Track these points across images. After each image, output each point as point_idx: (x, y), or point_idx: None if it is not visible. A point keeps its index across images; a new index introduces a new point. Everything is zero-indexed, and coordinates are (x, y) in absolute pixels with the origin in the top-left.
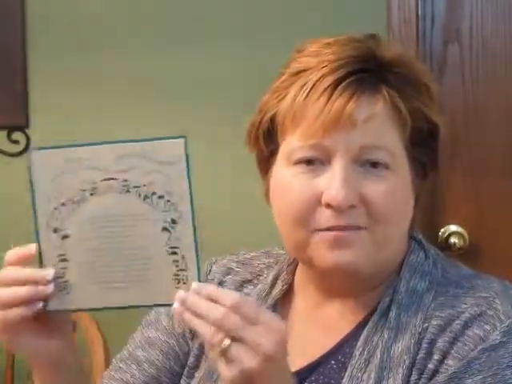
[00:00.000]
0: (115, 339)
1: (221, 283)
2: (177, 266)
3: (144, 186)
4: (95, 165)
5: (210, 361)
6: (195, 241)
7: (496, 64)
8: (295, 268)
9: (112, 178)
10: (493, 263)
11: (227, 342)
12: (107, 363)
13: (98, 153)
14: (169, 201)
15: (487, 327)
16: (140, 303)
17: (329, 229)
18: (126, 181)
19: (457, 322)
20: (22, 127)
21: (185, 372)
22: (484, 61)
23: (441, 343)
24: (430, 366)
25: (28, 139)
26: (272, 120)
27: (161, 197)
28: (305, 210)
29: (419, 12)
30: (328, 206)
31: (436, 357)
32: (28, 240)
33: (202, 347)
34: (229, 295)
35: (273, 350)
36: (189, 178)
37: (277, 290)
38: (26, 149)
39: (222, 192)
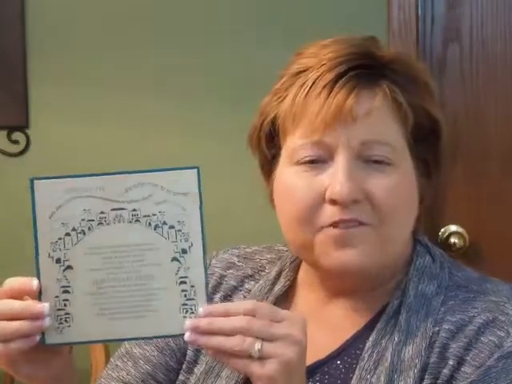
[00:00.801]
0: None
1: (221, 278)
2: (185, 296)
3: (154, 215)
4: (104, 195)
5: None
6: (205, 269)
7: (496, 64)
8: (299, 265)
9: (121, 208)
10: (493, 263)
11: (258, 343)
12: (107, 363)
13: (107, 183)
14: (180, 230)
15: (501, 333)
16: (146, 335)
17: (333, 225)
18: (135, 210)
19: (470, 327)
20: (22, 127)
21: (183, 367)
22: (484, 61)
23: (455, 348)
24: (445, 371)
25: (28, 139)
26: (273, 122)
27: (172, 227)
28: (309, 208)
29: (419, 12)
30: (332, 201)
31: (451, 362)
32: (27, 240)
33: None
34: (241, 305)
35: (303, 338)
36: (201, 208)
37: (279, 287)
38: (26, 149)
39: (224, 192)
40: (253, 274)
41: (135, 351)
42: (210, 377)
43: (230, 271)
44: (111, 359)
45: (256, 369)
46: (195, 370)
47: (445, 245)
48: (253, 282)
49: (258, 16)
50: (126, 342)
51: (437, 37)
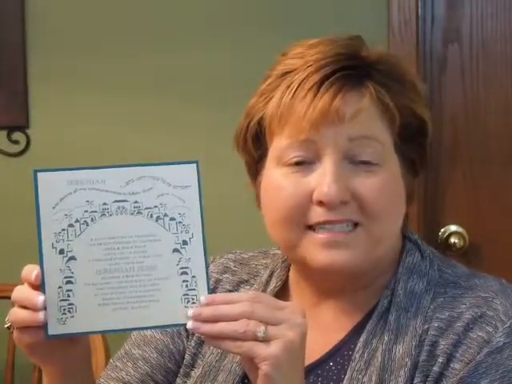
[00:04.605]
0: (115, 338)
1: (217, 282)
2: (186, 286)
3: (156, 207)
4: (106, 187)
5: (212, 357)
6: (205, 260)
7: (496, 64)
8: (290, 264)
9: (124, 200)
10: (493, 263)
11: (262, 326)
12: (107, 362)
13: (109, 175)
14: (180, 222)
15: (489, 329)
16: (148, 325)
17: (321, 224)
18: (136, 202)
19: (458, 323)
20: (22, 127)
21: (181, 371)
22: (484, 61)
23: (444, 345)
24: (436, 368)
25: (28, 139)
26: (259, 123)
27: (172, 219)
28: (296, 209)
29: (419, 12)
30: (320, 203)
31: (441, 359)
32: (27, 240)
33: (198, 346)
34: (242, 294)
35: (304, 322)
36: (200, 200)
37: (271, 287)
38: (26, 149)
39: (221, 193)
40: (248, 279)
41: (134, 352)
42: (207, 380)
43: (226, 275)
44: (111, 360)
45: (261, 350)
46: (192, 373)
47: (445, 245)
48: (248, 287)
49: (258, 16)
50: (125, 343)
51: (437, 37)
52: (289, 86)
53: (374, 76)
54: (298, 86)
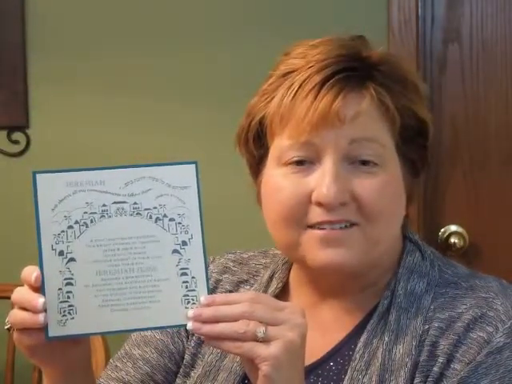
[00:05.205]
0: (115, 339)
1: (217, 282)
2: (186, 287)
3: (155, 208)
4: (106, 188)
5: (213, 356)
6: (205, 261)
7: (496, 64)
8: (291, 266)
9: (123, 202)
10: (493, 263)
11: (263, 326)
12: (107, 362)
13: (108, 176)
14: (180, 223)
15: (489, 329)
16: (148, 326)
17: (320, 224)
18: (136, 203)
19: (458, 323)
20: (22, 127)
21: (181, 371)
22: (484, 61)
23: (444, 345)
24: (436, 368)
25: (28, 139)
26: (261, 123)
27: (172, 219)
28: (295, 209)
29: (419, 12)
30: (319, 204)
31: (441, 359)
32: (27, 239)
33: (198, 346)
34: (242, 295)
35: (304, 322)
36: (199, 201)
37: (272, 289)
38: (26, 149)
39: (221, 193)
40: (248, 279)
41: (134, 352)
42: (207, 380)
43: (226, 275)
44: (111, 360)
45: (261, 351)
46: (192, 373)
47: (445, 245)
48: (248, 287)
49: (258, 16)
50: (125, 344)
51: (437, 37)
52: (290, 87)
53: (375, 77)
54: (299, 87)
